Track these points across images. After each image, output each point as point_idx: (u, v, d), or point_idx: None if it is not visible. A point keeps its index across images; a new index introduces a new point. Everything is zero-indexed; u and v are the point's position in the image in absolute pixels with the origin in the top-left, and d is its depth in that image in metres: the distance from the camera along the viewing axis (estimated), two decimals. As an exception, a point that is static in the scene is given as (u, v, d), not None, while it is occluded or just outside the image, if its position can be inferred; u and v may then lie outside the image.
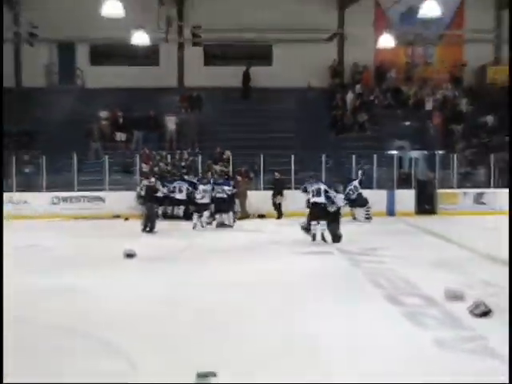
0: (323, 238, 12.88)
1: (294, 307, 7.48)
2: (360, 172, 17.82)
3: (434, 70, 24.22)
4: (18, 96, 22.92)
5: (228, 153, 19.77)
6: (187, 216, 17.42)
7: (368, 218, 17.11)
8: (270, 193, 18.28)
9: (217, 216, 15.98)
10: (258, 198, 18.32)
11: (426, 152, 20.51)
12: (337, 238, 12.88)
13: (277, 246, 12.77)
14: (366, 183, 18.11)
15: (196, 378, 5.04)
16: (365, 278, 9.34)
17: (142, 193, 16.14)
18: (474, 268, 9.94)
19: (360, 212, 17.27)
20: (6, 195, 18.63)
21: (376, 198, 18.23)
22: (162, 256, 11.54)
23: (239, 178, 18.57)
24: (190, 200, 17.50)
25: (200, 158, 19.80)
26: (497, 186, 19.54)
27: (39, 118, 21.58)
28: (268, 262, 10.75)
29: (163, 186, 17.27)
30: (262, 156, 19.07)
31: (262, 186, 19.11)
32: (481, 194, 19.36)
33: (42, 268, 10.26)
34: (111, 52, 23.71)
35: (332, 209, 12.96)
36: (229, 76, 23.06)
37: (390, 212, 18.89)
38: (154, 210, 15.73)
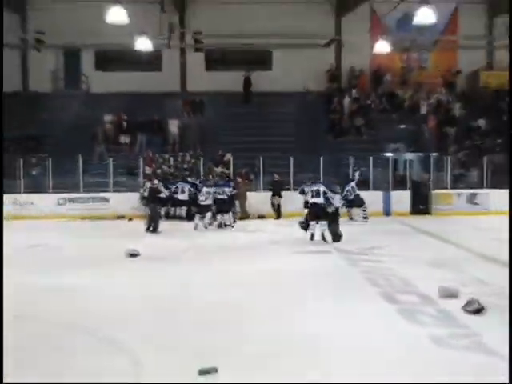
0: (323, 238, 12.88)
1: (294, 306, 7.47)
2: (357, 173, 17.83)
3: (428, 75, 24.22)
4: (25, 100, 22.96)
5: (229, 155, 19.79)
6: (189, 216, 17.43)
7: (365, 217, 17.22)
8: (269, 194, 18.33)
9: (218, 216, 15.97)
10: (258, 199, 18.34)
11: (420, 154, 20.51)
12: (337, 237, 12.91)
13: (276, 245, 12.76)
14: (363, 184, 18.17)
15: (198, 375, 5.04)
16: (362, 276, 9.33)
17: (146, 194, 16.13)
18: (467, 266, 9.93)
19: (357, 212, 17.34)
20: (12, 196, 18.70)
21: (372, 198, 18.27)
22: (164, 255, 11.53)
23: (239, 179, 18.60)
24: (192, 201, 17.51)
25: (202, 160, 19.81)
26: (489, 187, 19.56)
27: (46, 122, 21.59)
28: (268, 262, 10.74)
29: (166, 187, 17.24)
30: (261, 158, 19.08)
31: (261, 187, 19.11)
32: (474, 195, 19.37)
33: (48, 267, 10.24)
34: (115, 58, 23.71)
35: (330, 209, 12.99)
36: (230, 81, 23.07)
37: (386, 212, 18.90)
38: (157, 210, 15.72)
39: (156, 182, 16.21)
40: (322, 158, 18.88)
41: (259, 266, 10.25)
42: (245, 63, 23.68)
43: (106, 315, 6.99)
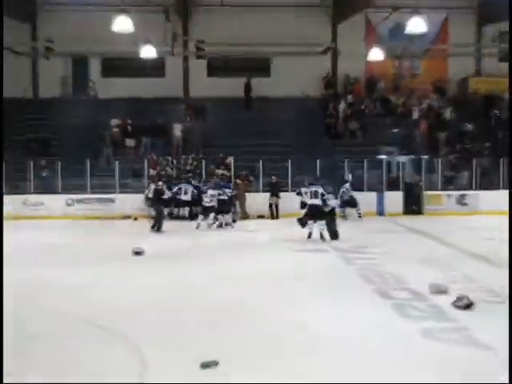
0: (322, 237, 12.92)
1: (292, 300, 7.49)
2: (350, 175, 17.88)
3: (420, 82, 24.22)
4: (35, 106, 22.98)
5: (230, 158, 19.79)
6: (192, 216, 17.47)
7: (360, 216, 17.30)
8: (268, 195, 18.35)
9: (218, 216, 15.96)
10: (258, 200, 18.35)
11: (412, 157, 20.51)
12: (335, 235, 13.00)
13: (276, 244, 12.78)
14: (357, 186, 18.22)
15: (200, 368, 5.05)
16: (357, 273, 9.35)
17: (150, 195, 16.14)
18: (457, 264, 9.95)
19: (351, 212, 17.40)
20: (23, 197, 18.71)
21: (366, 199, 18.29)
22: (168, 254, 11.53)
23: (239, 181, 18.64)
24: (194, 202, 17.54)
25: (204, 162, 19.82)
26: (478, 188, 19.59)
27: (55, 126, 21.59)
28: (268, 260, 10.75)
29: (169, 189, 17.25)
30: (261, 161, 19.09)
31: (261, 188, 19.12)
32: (463, 196, 19.38)
33: (57, 264, 10.24)
34: (121, 65, 23.69)
35: (327, 209, 13.04)
36: (230, 87, 23.06)
37: (380, 212, 18.91)
38: (161, 211, 15.72)
39: (160, 183, 16.22)
40: (318, 161, 18.89)
41: (259, 264, 10.27)
42: (245, 70, 23.66)
43: (111, 312, 6.98)
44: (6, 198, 17.42)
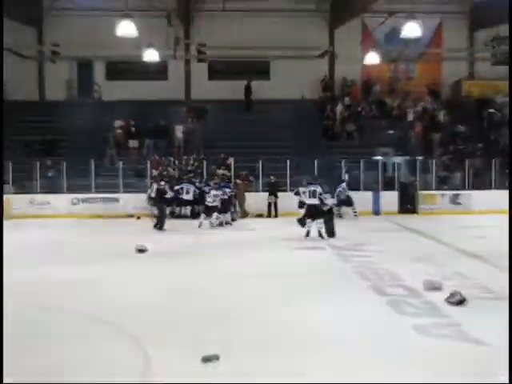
0: (321, 235, 12.93)
1: (290, 296, 7.49)
2: (346, 175, 17.89)
3: (415, 85, 24.22)
4: (41, 108, 22.97)
5: (231, 159, 19.78)
6: (194, 215, 17.48)
7: (356, 215, 17.30)
8: (267, 194, 18.35)
9: (220, 216, 15.95)
10: (257, 199, 18.34)
11: (407, 158, 20.51)
12: (332, 233, 13.01)
13: (274, 242, 12.77)
14: (354, 185, 18.23)
15: (201, 362, 5.05)
16: (353, 270, 9.34)
17: (153, 195, 16.16)
18: (450, 261, 9.95)
19: (347, 211, 17.40)
20: (30, 196, 18.71)
21: (363, 199, 18.30)
22: (171, 251, 11.54)
23: (239, 181, 18.64)
24: (196, 201, 17.54)
25: (205, 163, 19.82)
26: (471, 188, 19.59)
27: (60, 128, 21.58)
28: (267, 257, 10.76)
29: (171, 188, 17.25)
30: (260, 161, 19.10)
31: (260, 188, 19.12)
32: (457, 196, 19.38)
33: (63, 261, 10.26)
34: (125, 68, 23.68)
35: (325, 208, 13.06)
36: (231, 89, 23.07)
37: (376, 212, 18.90)
38: (164, 210, 15.72)
39: (162, 183, 16.21)
40: (316, 161, 18.90)
41: (259, 261, 10.27)
42: (245, 73, 23.65)
43: (115, 308, 6.98)
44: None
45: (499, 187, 19.40)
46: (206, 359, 5.08)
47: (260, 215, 18.26)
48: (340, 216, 17.17)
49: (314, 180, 14.46)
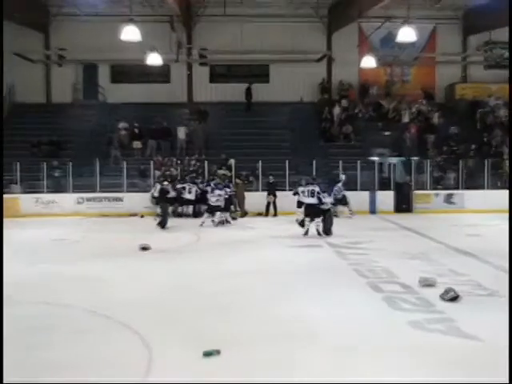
0: (319, 233, 12.92)
1: (289, 293, 7.48)
2: (343, 176, 17.87)
3: (410, 88, 24.22)
4: (48, 110, 22.95)
5: (232, 160, 19.74)
6: (195, 214, 17.47)
7: (351, 214, 17.28)
8: (266, 194, 18.35)
9: (222, 215, 15.89)
10: (257, 199, 18.29)
11: (403, 158, 20.48)
12: (329, 232, 12.99)
13: (273, 240, 12.75)
14: (351, 186, 18.22)
15: (202, 356, 5.04)
16: (350, 267, 9.33)
17: (156, 194, 16.14)
18: (444, 259, 9.94)
19: (342, 210, 17.36)
20: (36, 196, 18.70)
21: (359, 198, 18.29)
22: (173, 249, 11.54)
23: (239, 181, 18.63)
24: (198, 200, 17.52)
25: (206, 163, 19.81)
26: (464, 188, 19.57)
27: (67, 129, 21.56)
28: (266, 254, 10.74)
29: (174, 188, 17.23)
30: (260, 162, 19.08)
31: (260, 188, 19.10)
32: (450, 195, 19.36)
33: (68, 258, 10.25)
34: (129, 71, 23.66)
35: (323, 207, 13.05)
36: (231, 92, 23.09)
37: (372, 211, 18.87)
38: (167, 209, 15.69)
39: (165, 183, 16.18)
40: (314, 162, 18.89)
41: (258, 258, 10.26)
42: (245, 76, 23.64)
43: (119, 302, 7.00)
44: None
45: (491, 187, 19.44)
46: (208, 353, 5.07)
47: (260, 214, 18.24)
48: (335, 215, 17.15)
49: (313, 180, 14.46)
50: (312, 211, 13.02)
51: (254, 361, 5.01)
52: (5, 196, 18.40)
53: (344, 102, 23.27)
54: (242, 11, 22.67)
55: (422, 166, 19.97)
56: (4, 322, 5.15)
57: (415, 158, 20.10)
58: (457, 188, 19.69)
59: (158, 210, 15.74)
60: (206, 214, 15.77)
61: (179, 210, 17.97)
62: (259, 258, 10.25)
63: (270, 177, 18.35)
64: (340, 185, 17.31)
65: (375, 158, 20.20)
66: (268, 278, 8.39)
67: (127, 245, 11.52)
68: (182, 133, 21.54)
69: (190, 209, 17.93)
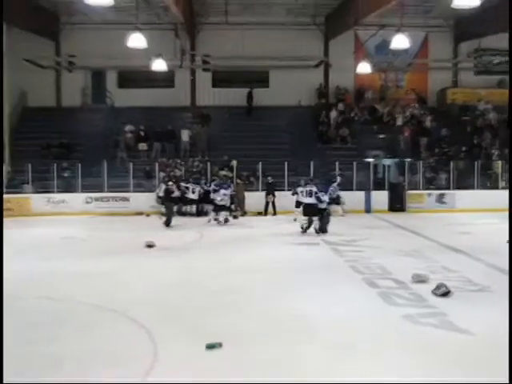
0: (316, 231, 12.91)
1: (288, 288, 7.47)
2: (339, 178, 17.84)
3: (403, 92, 24.20)
4: (58, 114, 22.90)
5: (234, 162, 19.70)
6: (199, 213, 17.46)
7: (344, 213, 17.20)
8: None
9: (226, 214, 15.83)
10: (257, 199, 18.26)
11: (397, 160, 20.44)
12: (325, 230, 12.99)
13: (273, 238, 12.74)
14: (347, 186, 18.19)
15: (205, 348, 5.03)
16: (346, 264, 9.32)
17: (161, 194, 16.12)
18: (436, 256, 9.93)
19: (336, 209, 17.28)
20: (47, 195, 18.69)
21: (355, 198, 18.26)
22: (177, 246, 11.52)
23: (239, 181, 18.61)
24: (201, 199, 17.50)
25: (209, 164, 19.80)
26: (455, 188, 19.53)
27: (76, 132, 21.51)
28: (266, 251, 10.73)
29: (178, 188, 17.21)
30: (260, 163, 19.06)
31: (260, 188, 19.07)
32: (442, 195, 19.32)
33: (76, 255, 10.24)
34: (135, 77, 23.62)
35: (321, 206, 13.05)
36: (233, 96, 23.07)
37: (367, 210, 18.83)
38: (172, 208, 15.67)
39: (170, 183, 16.15)
40: (312, 163, 18.87)
41: (258, 256, 10.25)
42: (246, 82, 23.60)
43: (125, 297, 6.98)
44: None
45: (481, 187, 19.43)
46: (210, 346, 5.05)
47: (260, 213, 18.21)
48: (329, 214, 17.10)
49: (310, 181, 14.45)
50: (310, 210, 13.02)
51: (254, 355, 4.99)
52: (17, 196, 18.52)
53: (340, 106, 23.24)
54: (243, 20, 22.64)
55: (415, 167, 19.94)
56: (13, 316, 5.14)
57: (408, 160, 20.07)
58: (448, 188, 19.65)
59: (163, 210, 15.72)
60: (212, 213, 15.70)
61: (183, 209, 17.94)
62: (260, 256, 10.23)
63: (269, 177, 18.33)
64: (335, 185, 17.26)
65: (370, 160, 20.16)
66: (268, 275, 8.37)
67: (133, 242, 11.51)
68: (185, 135, 21.51)
69: (194, 208, 17.91)
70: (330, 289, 7.43)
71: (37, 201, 18.46)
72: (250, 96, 23.24)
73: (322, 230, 13.00)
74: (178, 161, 20.45)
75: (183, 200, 17.67)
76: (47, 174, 18.96)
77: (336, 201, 17.18)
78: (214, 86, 24.09)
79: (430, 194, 19.37)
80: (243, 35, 22.83)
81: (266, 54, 22.14)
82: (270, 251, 10.78)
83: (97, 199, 18.91)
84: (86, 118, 21.92)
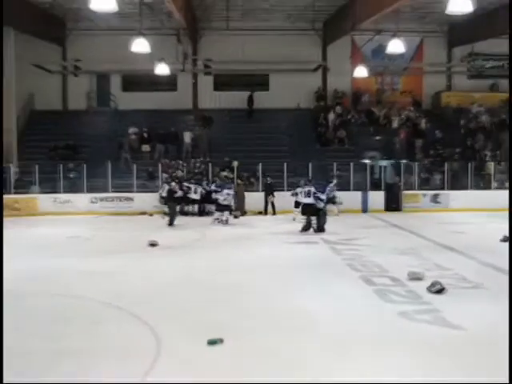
0: (315, 230, 12.90)
1: (287, 286, 7.46)
2: (335, 180, 17.83)
3: (399, 95, 24.21)
4: (64, 117, 22.93)
5: (236, 163, 19.70)
6: (201, 213, 17.44)
7: (338, 213, 17.15)
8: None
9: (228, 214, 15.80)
10: (257, 199, 18.26)
11: (393, 161, 20.45)
12: (323, 229, 12.98)
13: (272, 237, 12.73)
14: (344, 186, 18.18)
15: (207, 344, 5.03)
16: (344, 262, 9.31)
17: (164, 194, 16.11)
18: (431, 254, 9.92)
19: (334, 208, 17.27)
20: (53, 196, 18.70)
21: (352, 198, 18.25)
22: (179, 245, 11.52)
23: (240, 181, 18.60)
24: (203, 200, 17.50)
25: (210, 166, 19.80)
26: (449, 189, 19.54)
27: (81, 134, 21.54)
28: (266, 250, 10.72)
29: (181, 188, 17.20)
30: (260, 164, 19.06)
31: (260, 188, 19.06)
32: (437, 195, 19.32)
33: (82, 254, 10.24)
34: (139, 80, 23.62)
35: (319, 206, 13.06)
36: (234, 99, 23.08)
37: (364, 209, 18.83)
38: (174, 208, 15.67)
39: (173, 184, 16.15)
40: (310, 164, 18.87)
41: (258, 254, 10.24)
42: (246, 85, 23.62)
43: (129, 294, 6.98)
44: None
45: (474, 188, 19.44)
46: (212, 342, 5.05)
47: (260, 213, 18.20)
48: (325, 213, 17.06)
49: (308, 181, 14.46)
50: (309, 210, 13.03)
51: (254, 350, 4.99)
52: (24, 196, 18.54)
53: (338, 109, 23.25)
54: (244, 25, 22.65)
55: (411, 168, 19.94)
56: (20, 313, 5.14)
57: (404, 161, 20.08)
58: (442, 188, 19.65)
59: (166, 209, 15.72)
60: (216, 213, 15.65)
61: (185, 208, 17.94)
62: (260, 254, 10.23)
63: (268, 178, 18.33)
64: (332, 185, 17.25)
65: (367, 161, 20.17)
66: (268, 273, 8.36)
67: (137, 241, 11.50)
68: (187, 137, 21.52)
69: (196, 208, 17.91)
70: (328, 286, 7.43)
71: (43, 201, 18.47)
72: (250, 99, 23.25)
73: (320, 228, 13.00)
74: (181, 162, 20.45)
75: (186, 200, 17.66)
76: (54, 174, 18.96)
77: (332, 200, 17.19)
78: (215, 89, 24.10)
79: (425, 195, 19.37)
80: (244, 40, 22.86)
81: (265, 59, 22.14)
82: (270, 250, 10.77)
83: (102, 199, 18.90)
84: (91, 121, 21.94)
